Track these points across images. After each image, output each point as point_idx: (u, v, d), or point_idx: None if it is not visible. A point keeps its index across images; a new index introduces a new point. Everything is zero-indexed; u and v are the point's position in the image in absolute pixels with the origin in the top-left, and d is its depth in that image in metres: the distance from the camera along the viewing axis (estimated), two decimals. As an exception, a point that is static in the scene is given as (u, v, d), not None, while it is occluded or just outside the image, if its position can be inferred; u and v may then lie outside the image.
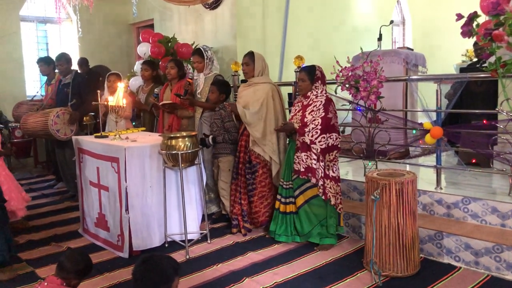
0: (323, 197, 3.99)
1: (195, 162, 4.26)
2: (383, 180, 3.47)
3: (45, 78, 6.86)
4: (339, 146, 4.10)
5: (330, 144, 4.00)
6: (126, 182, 3.96)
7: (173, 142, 4.00)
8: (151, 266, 2.25)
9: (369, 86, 4.43)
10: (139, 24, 9.14)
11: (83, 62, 7.00)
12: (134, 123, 5.98)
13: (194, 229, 4.41)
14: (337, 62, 4.58)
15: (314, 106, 4.05)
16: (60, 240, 4.50)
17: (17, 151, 7.39)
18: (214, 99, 4.73)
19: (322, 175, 3.97)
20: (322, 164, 3.97)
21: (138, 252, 4.04)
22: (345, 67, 4.59)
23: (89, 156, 4.47)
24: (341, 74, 4.59)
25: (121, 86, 4.65)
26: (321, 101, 4.04)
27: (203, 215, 4.49)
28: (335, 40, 8.02)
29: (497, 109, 4.08)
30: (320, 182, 3.97)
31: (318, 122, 3.96)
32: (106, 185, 4.24)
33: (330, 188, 4.01)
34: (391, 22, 7.00)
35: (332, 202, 4.01)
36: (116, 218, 4.13)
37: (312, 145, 3.96)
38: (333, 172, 4.05)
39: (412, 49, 6.56)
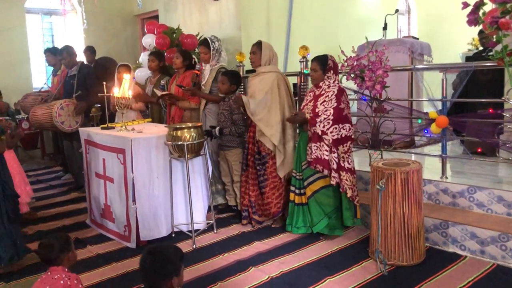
0: (340, 190, 3.97)
1: (201, 153, 4.28)
2: (389, 169, 3.47)
3: (51, 69, 6.90)
4: (352, 136, 4.04)
5: (343, 135, 3.94)
6: (132, 173, 3.98)
7: (179, 133, 4.02)
8: (159, 257, 2.26)
9: (374, 75, 4.41)
10: (144, 15, 9.13)
11: (88, 49, 7.00)
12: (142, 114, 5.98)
13: (200, 219, 4.44)
14: (342, 52, 4.56)
15: (326, 97, 4.00)
16: (68, 231, 4.53)
17: (25, 143, 7.44)
18: (225, 90, 4.66)
19: (335, 167, 3.92)
20: (335, 155, 3.92)
21: (145, 242, 4.08)
22: (350, 56, 4.57)
23: (95, 148, 4.50)
24: (346, 64, 4.57)
25: (126, 77, 4.66)
26: (334, 92, 3.99)
27: (209, 205, 4.52)
28: (339, 30, 7.98)
29: (503, 98, 4.06)
30: (334, 174, 3.92)
31: (330, 113, 3.92)
32: (112, 177, 4.27)
33: (347, 180, 3.96)
34: (396, 11, 6.97)
35: (349, 195, 3.97)
36: (121, 209, 4.17)
37: (323, 136, 3.91)
38: (348, 163, 3.99)
39: (418, 38, 6.52)
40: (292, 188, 4.25)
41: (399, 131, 4.80)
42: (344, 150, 3.98)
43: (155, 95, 5.59)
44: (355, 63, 4.52)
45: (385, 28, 6.09)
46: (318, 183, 4.07)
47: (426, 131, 4.55)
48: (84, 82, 5.77)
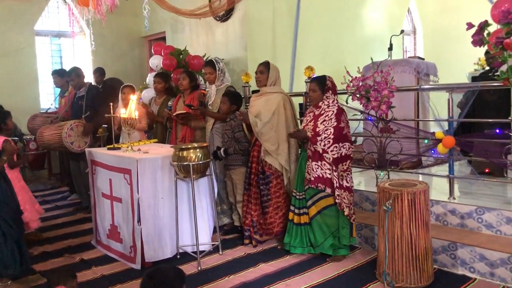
0: (339, 207, 3.97)
1: (207, 173, 4.28)
2: (395, 190, 3.44)
3: (59, 90, 6.98)
4: (352, 156, 4.08)
5: (343, 154, 3.98)
6: (138, 193, 3.98)
7: (185, 153, 4.02)
8: (159, 281, 2.24)
9: (380, 96, 4.42)
10: (151, 37, 9.24)
11: (98, 71, 7.11)
12: (146, 135, 6.02)
13: (205, 240, 4.41)
14: (348, 72, 4.58)
15: (326, 116, 4.05)
16: (74, 252, 4.53)
17: (32, 163, 7.48)
18: (225, 110, 4.75)
19: (337, 185, 3.95)
20: (335, 174, 3.96)
21: (151, 263, 4.05)
22: (356, 77, 4.59)
23: (101, 168, 4.51)
24: (351, 84, 4.58)
25: (133, 98, 4.70)
26: (333, 111, 4.04)
27: (215, 226, 4.49)
28: (345, 51, 8.02)
29: (510, 118, 4.04)
30: (337, 192, 3.95)
31: (331, 132, 3.96)
32: (119, 197, 4.26)
33: (344, 198, 3.98)
34: (402, 31, 6.99)
35: (346, 213, 3.98)
36: (128, 230, 4.15)
37: (324, 154, 3.95)
38: (347, 182, 4.03)
39: (423, 59, 6.53)
40: (292, 207, 4.26)
41: (405, 151, 4.78)
42: (343, 168, 4.01)
43: (160, 116, 5.64)
44: (360, 84, 4.53)
45: (390, 48, 6.12)
46: (321, 202, 4.07)
47: (433, 151, 4.53)
48: (92, 103, 5.82)
